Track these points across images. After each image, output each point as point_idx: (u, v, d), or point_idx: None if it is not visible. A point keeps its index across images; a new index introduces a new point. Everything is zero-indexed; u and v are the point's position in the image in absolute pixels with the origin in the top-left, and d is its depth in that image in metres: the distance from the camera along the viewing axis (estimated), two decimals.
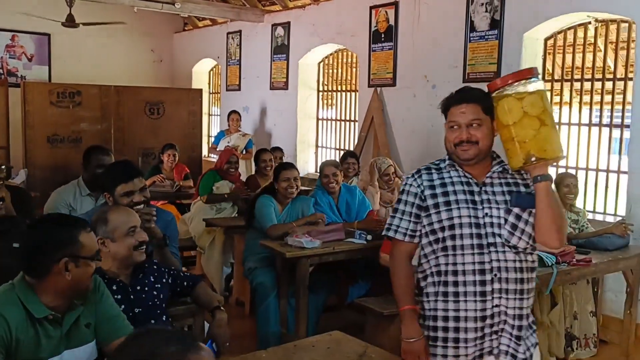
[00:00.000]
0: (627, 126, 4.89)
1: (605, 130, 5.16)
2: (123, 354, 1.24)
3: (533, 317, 2.20)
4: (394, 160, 6.22)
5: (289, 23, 8.31)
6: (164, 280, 2.50)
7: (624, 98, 5.32)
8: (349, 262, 4.33)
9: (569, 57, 5.46)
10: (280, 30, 8.48)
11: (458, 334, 2.10)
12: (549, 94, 5.32)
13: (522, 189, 2.12)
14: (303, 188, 5.12)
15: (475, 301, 2.07)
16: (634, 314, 4.22)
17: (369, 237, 4.17)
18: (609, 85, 5.10)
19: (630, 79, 4.83)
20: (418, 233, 2.18)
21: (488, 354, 2.14)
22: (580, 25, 5.21)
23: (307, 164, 8.34)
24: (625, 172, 4.85)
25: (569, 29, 5.30)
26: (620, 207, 4.98)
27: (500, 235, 2.07)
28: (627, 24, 4.86)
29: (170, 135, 7.58)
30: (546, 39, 5.45)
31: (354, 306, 4.27)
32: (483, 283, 2.07)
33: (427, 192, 2.13)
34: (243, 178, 7.39)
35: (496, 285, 2.07)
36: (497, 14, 5.52)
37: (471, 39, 5.78)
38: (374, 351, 2.26)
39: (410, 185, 2.17)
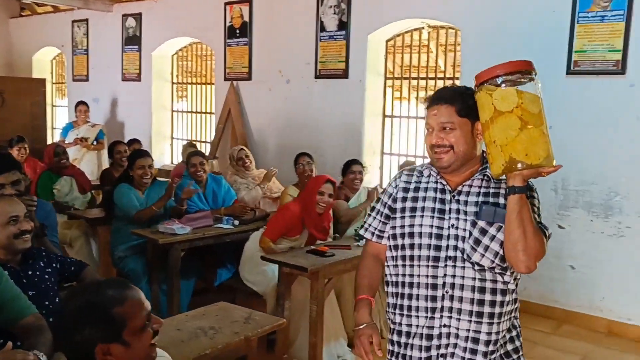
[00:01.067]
0: None
1: None
2: (68, 309, 1.41)
3: (515, 345, 1.97)
4: (251, 151, 6.53)
5: (140, 14, 8.24)
6: (54, 265, 2.60)
7: None
8: (217, 247, 4.58)
9: (407, 57, 6.14)
10: (131, 21, 8.37)
11: (405, 350, 1.96)
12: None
13: (502, 200, 1.87)
14: (160, 179, 5.23)
15: (426, 317, 1.91)
16: None
17: (236, 222, 4.47)
18: (440, 83, 5.85)
19: (457, 78, 5.59)
20: (386, 234, 2.05)
21: None
22: (416, 29, 5.90)
23: (163, 156, 8.36)
24: None
25: (407, 32, 5.97)
26: None
27: (463, 250, 1.87)
28: (454, 31, 5.62)
29: (13, 127, 7.21)
30: (387, 41, 6.08)
31: (223, 288, 4.55)
32: (434, 299, 1.90)
33: (400, 195, 2.01)
34: (96, 170, 7.29)
35: (447, 303, 1.88)
36: (345, 17, 6.04)
37: (321, 38, 6.25)
38: (257, 314, 2.59)
39: (390, 185, 2.08)
